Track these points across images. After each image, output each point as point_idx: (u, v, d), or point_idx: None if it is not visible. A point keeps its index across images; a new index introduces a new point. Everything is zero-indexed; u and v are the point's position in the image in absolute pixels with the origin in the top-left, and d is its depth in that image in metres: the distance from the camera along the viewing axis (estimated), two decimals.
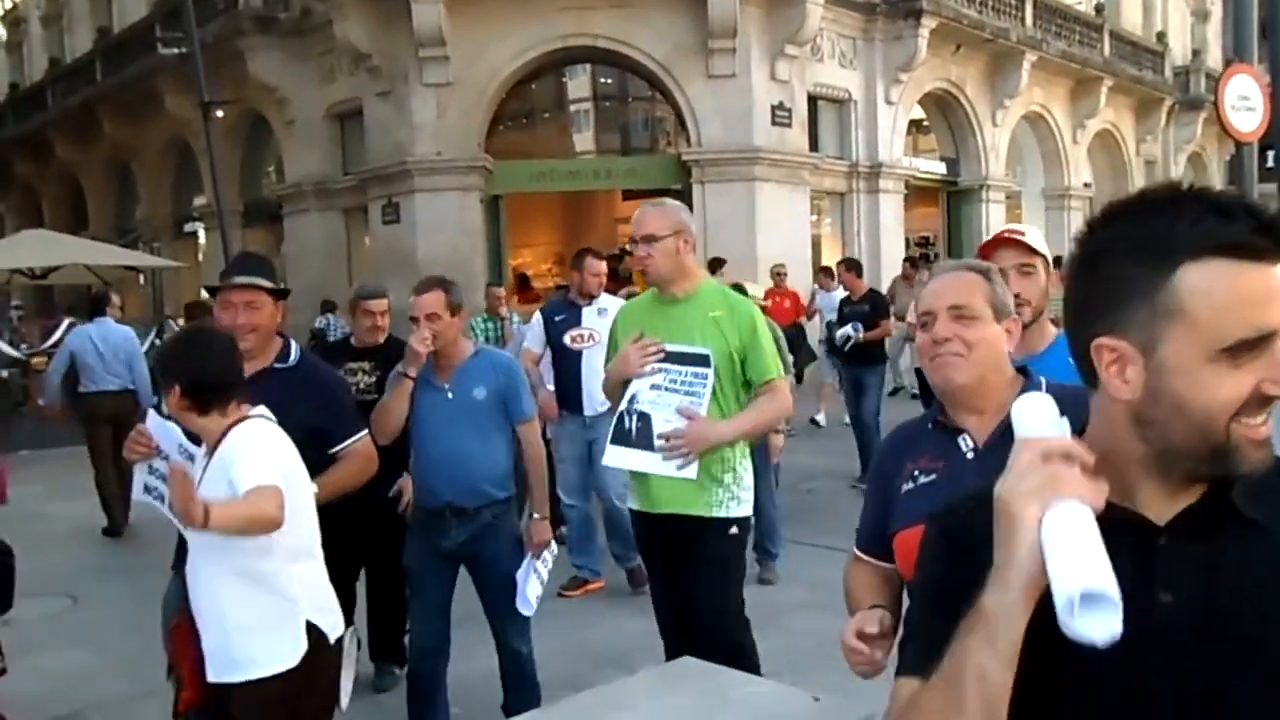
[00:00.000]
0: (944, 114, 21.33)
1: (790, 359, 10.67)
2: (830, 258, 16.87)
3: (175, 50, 16.52)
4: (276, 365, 3.54)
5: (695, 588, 3.69)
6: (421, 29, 15.15)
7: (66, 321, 14.12)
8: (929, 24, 18.33)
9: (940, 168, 21.41)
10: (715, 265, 12.55)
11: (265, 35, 18.05)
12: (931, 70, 19.52)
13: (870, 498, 2.25)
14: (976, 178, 21.30)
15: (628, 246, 3.62)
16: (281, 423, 3.11)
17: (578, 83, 17.40)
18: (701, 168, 16.07)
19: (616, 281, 9.35)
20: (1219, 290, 1.07)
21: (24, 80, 30.30)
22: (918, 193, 20.52)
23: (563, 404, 6.29)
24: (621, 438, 3.66)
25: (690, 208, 16.36)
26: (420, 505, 4.17)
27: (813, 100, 17.67)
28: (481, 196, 16.14)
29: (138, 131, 22.89)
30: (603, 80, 17.24)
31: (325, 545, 3.57)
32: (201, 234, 22.58)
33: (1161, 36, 27.76)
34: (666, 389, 3.58)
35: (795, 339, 11.46)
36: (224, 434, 2.85)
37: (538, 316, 6.49)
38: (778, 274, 13.10)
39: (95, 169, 25.93)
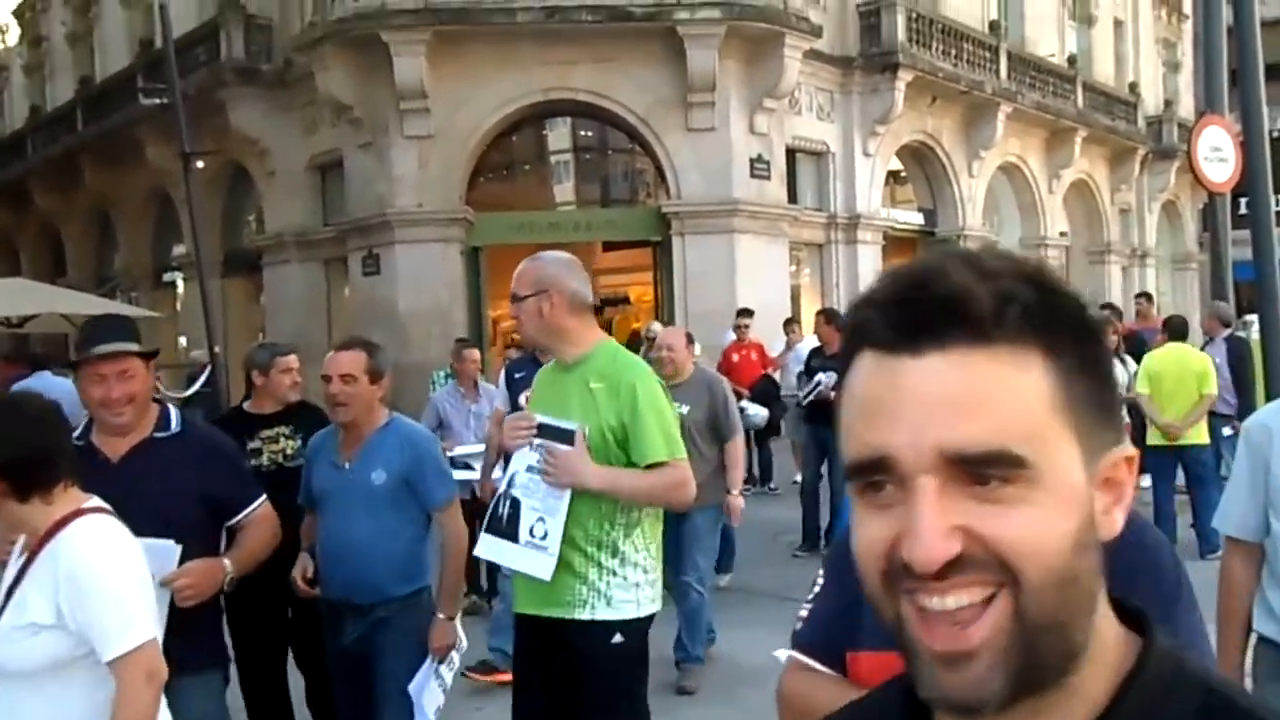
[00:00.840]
0: (921, 165, 21.56)
1: (763, 414, 10.51)
2: (809, 309, 16.94)
3: (157, 100, 16.56)
4: (157, 435, 3.16)
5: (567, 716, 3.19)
6: (403, 81, 15.24)
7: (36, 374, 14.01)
8: (905, 77, 18.58)
9: (918, 218, 21.60)
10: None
11: (248, 86, 18.13)
12: (908, 122, 19.76)
13: (832, 583, 1.62)
14: (954, 228, 21.48)
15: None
16: (171, 495, 2.91)
17: (558, 135, 17.51)
18: (681, 219, 16.15)
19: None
20: (851, 392, 0.78)
21: (4, 128, 30.30)
22: (896, 243, 20.66)
23: None
24: (494, 525, 3.21)
25: (670, 259, 16.33)
26: (322, 596, 3.78)
27: (791, 153, 17.83)
28: (462, 248, 16.17)
29: (118, 181, 22.87)
30: (583, 133, 17.36)
31: (248, 633, 3.35)
32: (180, 284, 22.50)
33: (1134, 87, 28.20)
34: (540, 471, 3.13)
35: (767, 391, 11.14)
36: (52, 530, 2.32)
37: (503, 373, 6.26)
38: (740, 326, 12.21)
39: (75, 218, 25.86)
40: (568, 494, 3.05)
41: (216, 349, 14.15)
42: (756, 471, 11.43)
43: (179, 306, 22.35)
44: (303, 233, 18.31)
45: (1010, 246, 23.65)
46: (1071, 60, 25.17)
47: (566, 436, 3.07)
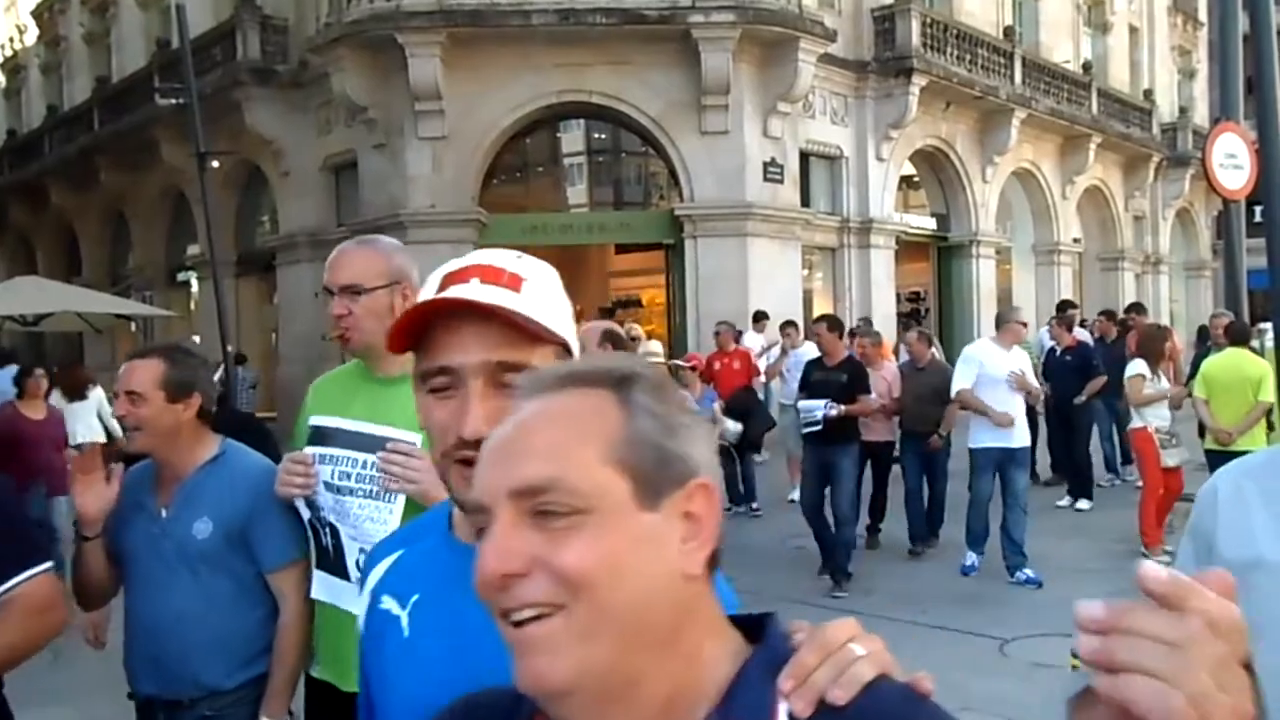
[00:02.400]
0: (934, 170, 21.53)
1: (736, 428, 9.49)
2: (822, 312, 16.93)
3: (173, 101, 16.64)
4: None
5: None
6: (418, 83, 15.29)
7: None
8: (919, 82, 18.56)
9: (931, 223, 21.59)
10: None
11: (263, 87, 18.22)
12: (922, 127, 19.74)
13: None
14: (967, 233, 21.46)
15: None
16: None
17: (572, 137, 17.54)
18: (694, 223, 16.16)
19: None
20: None
21: (21, 128, 30.47)
22: (909, 248, 20.66)
23: None
24: (323, 558, 2.53)
25: (683, 262, 16.39)
26: (133, 691, 2.81)
27: (804, 156, 17.83)
28: (474, 249, 16.18)
29: (133, 180, 22.99)
30: (597, 135, 17.40)
31: None
32: (194, 283, 22.60)
33: (1149, 94, 28.13)
34: (342, 489, 2.45)
35: (746, 402, 10.42)
36: None
37: None
38: (720, 332, 11.29)
39: (90, 217, 26.01)
40: (395, 517, 2.34)
41: (230, 348, 14.22)
42: (740, 488, 10.57)
43: (193, 306, 22.45)
44: (316, 233, 18.36)
45: (1023, 253, 23.78)
46: (1086, 67, 25.13)
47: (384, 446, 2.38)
